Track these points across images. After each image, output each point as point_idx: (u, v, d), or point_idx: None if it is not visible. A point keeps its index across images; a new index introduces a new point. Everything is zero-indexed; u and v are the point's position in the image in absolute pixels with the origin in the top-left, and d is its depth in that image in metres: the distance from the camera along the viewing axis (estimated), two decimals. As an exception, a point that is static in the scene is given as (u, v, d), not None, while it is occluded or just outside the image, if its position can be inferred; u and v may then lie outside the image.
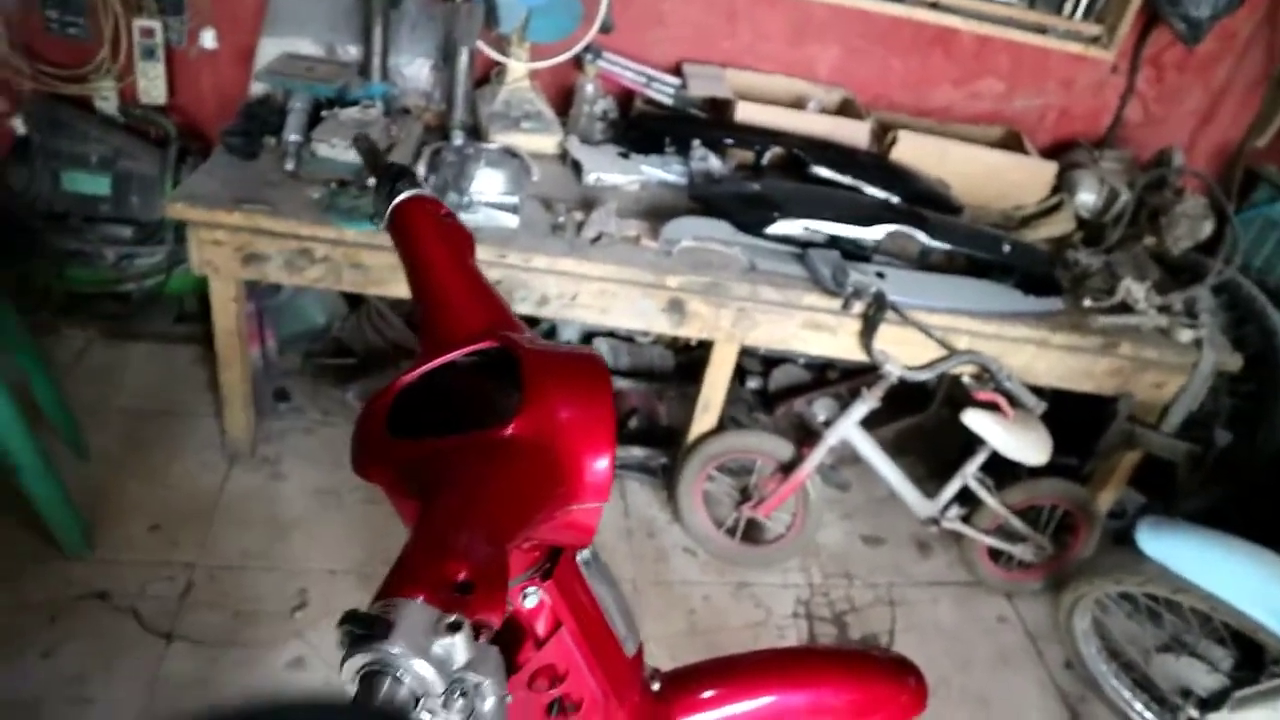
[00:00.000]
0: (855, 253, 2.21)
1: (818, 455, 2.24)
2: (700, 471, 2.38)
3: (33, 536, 2.04)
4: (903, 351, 2.20)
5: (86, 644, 1.90)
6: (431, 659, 0.50)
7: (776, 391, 2.91)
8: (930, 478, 2.51)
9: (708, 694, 1.11)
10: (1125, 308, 2.33)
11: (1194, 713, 1.99)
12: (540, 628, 0.87)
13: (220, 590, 2.06)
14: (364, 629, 0.50)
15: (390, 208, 0.96)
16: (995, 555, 2.50)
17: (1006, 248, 2.30)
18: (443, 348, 0.82)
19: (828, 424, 2.33)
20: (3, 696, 1.78)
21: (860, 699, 1.18)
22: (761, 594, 2.38)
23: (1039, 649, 2.42)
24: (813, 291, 2.14)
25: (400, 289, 2.10)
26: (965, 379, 2.28)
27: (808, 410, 2.84)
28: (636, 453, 2.60)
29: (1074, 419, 2.47)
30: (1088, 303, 2.33)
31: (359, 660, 0.50)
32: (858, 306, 2.13)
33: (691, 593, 2.34)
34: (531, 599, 0.84)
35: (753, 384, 2.90)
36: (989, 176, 2.59)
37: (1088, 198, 2.65)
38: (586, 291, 2.11)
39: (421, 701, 0.51)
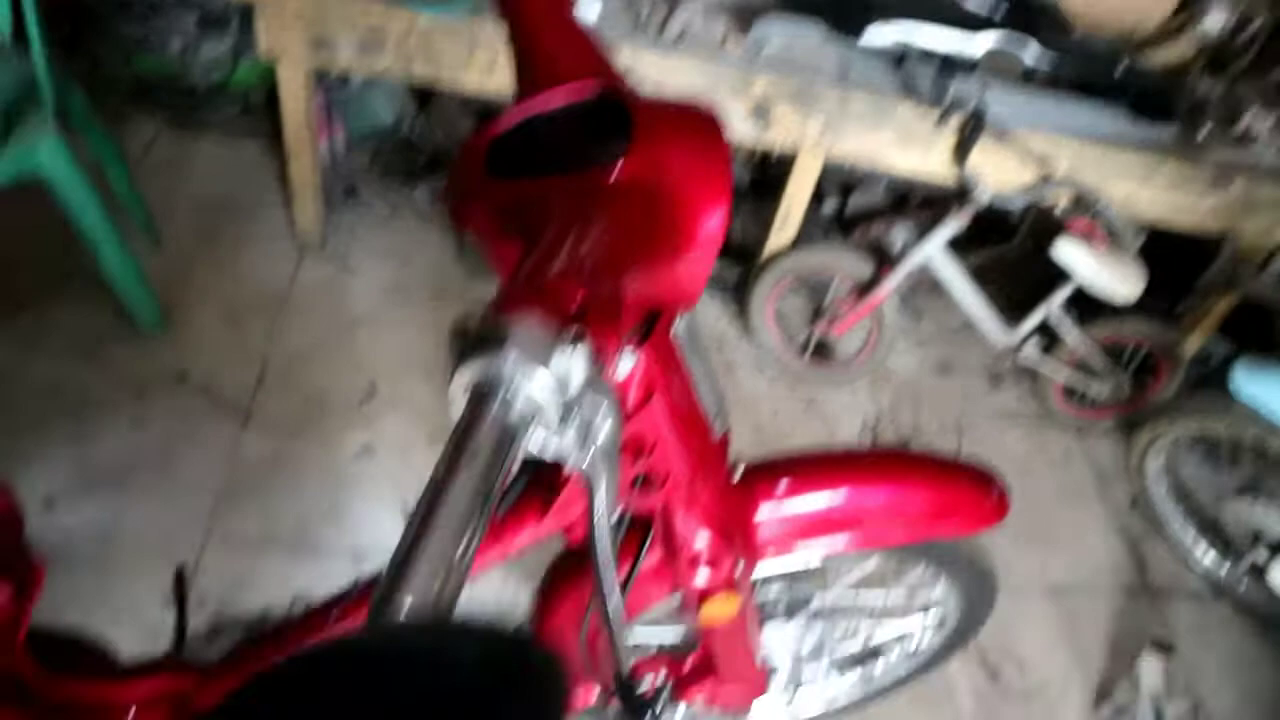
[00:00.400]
0: (955, 65, 2.06)
1: (898, 276, 2.17)
2: (775, 286, 2.32)
3: (115, 317, 2.07)
4: (997, 174, 2.08)
5: (169, 420, 1.96)
6: (549, 378, 0.47)
7: (853, 215, 2.81)
8: (1007, 313, 2.42)
9: (790, 484, 1.10)
10: (1245, 141, 2.16)
11: (1263, 556, 1.96)
12: (632, 398, 0.84)
13: (292, 378, 2.10)
14: (476, 341, 0.47)
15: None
16: (1069, 392, 2.44)
17: (1120, 68, 2.12)
18: (541, 91, 0.75)
19: (905, 250, 2.25)
20: (101, 460, 1.86)
21: (941, 502, 1.16)
22: (829, 413, 2.37)
23: (1105, 487, 2.40)
24: (907, 103, 2.01)
25: (472, 81, 2.01)
26: (1059, 207, 2.16)
27: (885, 235, 2.73)
28: (707, 269, 2.54)
29: (1166, 259, 2.35)
30: (1204, 132, 2.16)
31: (469, 374, 0.46)
32: (954, 122, 2.00)
33: (759, 407, 2.33)
34: (625, 365, 0.81)
35: (829, 206, 2.80)
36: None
37: (1218, 18, 2.41)
38: (668, 91, 2.00)
39: (535, 425, 0.47)
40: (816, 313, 2.37)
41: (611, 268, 0.61)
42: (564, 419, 0.48)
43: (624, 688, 0.58)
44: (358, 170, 2.59)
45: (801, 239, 2.37)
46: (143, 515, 1.79)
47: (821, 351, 2.40)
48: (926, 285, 2.66)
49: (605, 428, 0.52)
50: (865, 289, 2.23)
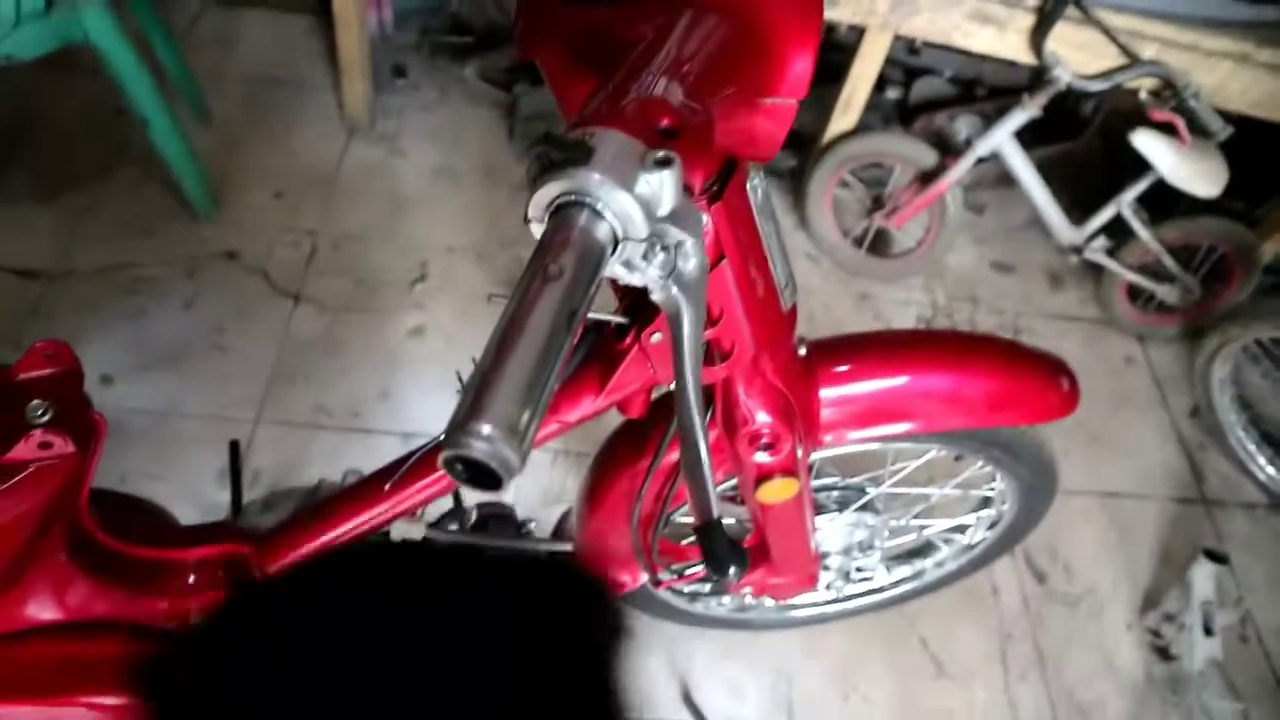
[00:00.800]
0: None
1: (963, 165, 2.08)
2: (834, 174, 2.24)
3: (166, 195, 2.06)
4: (1077, 56, 1.96)
5: (221, 299, 1.96)
6: (637, 196, 0.43)
7: (917, 104, 2.68)
8: (1074, 211, 2.32)
9: (853, 367, 1.07)
10: (1351, 22, 2.01)
11: (1329, 464, 1.90)
12: (700, 258, 0.80)
13: (342, 258, 2.08)
14: (561, 153, 0.43)
15: None
16: (1134, 295, 2.35)
17: (1223, -61, 1.96)
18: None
19: (969, 142, 2.14)
20: (155, 338, 1.87)
21: (1006, 390, 1.12)
22: (882, 307, 2.31)
23: (1164, 394, 2.33)
24: (986, -24, 1.88)
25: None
26: (1143, 94, 2.04)
27: (949, 125, 2.62)
28: (762, 158, 2.46)
29: (1252, 155, 2.22)
30: (1309, 12, 2.01)
31: (553, 188, 0.43)
32: (1036, -2, 1.88)
33: (811, 299, 2.28)
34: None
35: (892, 94, 2.67)
36: None
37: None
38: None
39: (621, 246, 0.44)
40: (875, 203, 2.29)
41: (698, 95, 0.56)
42: (650, 243, 0.45)
43: (712, 540, 0.56)
44: (406, 48, 2.52)
45: (862, 127, 2.27)
46: (197, 393, 1.81)
47: (879, 244, 2.33)
48: (990, 180, 2.56)
49: (692, 256, 0.48)
50: (927, 179, 2.14)
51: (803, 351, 1.03)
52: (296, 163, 2.26)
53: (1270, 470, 2.15)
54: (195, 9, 2.59)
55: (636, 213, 0.43)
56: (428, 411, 1.85)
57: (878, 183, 2.31)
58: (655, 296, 0.50)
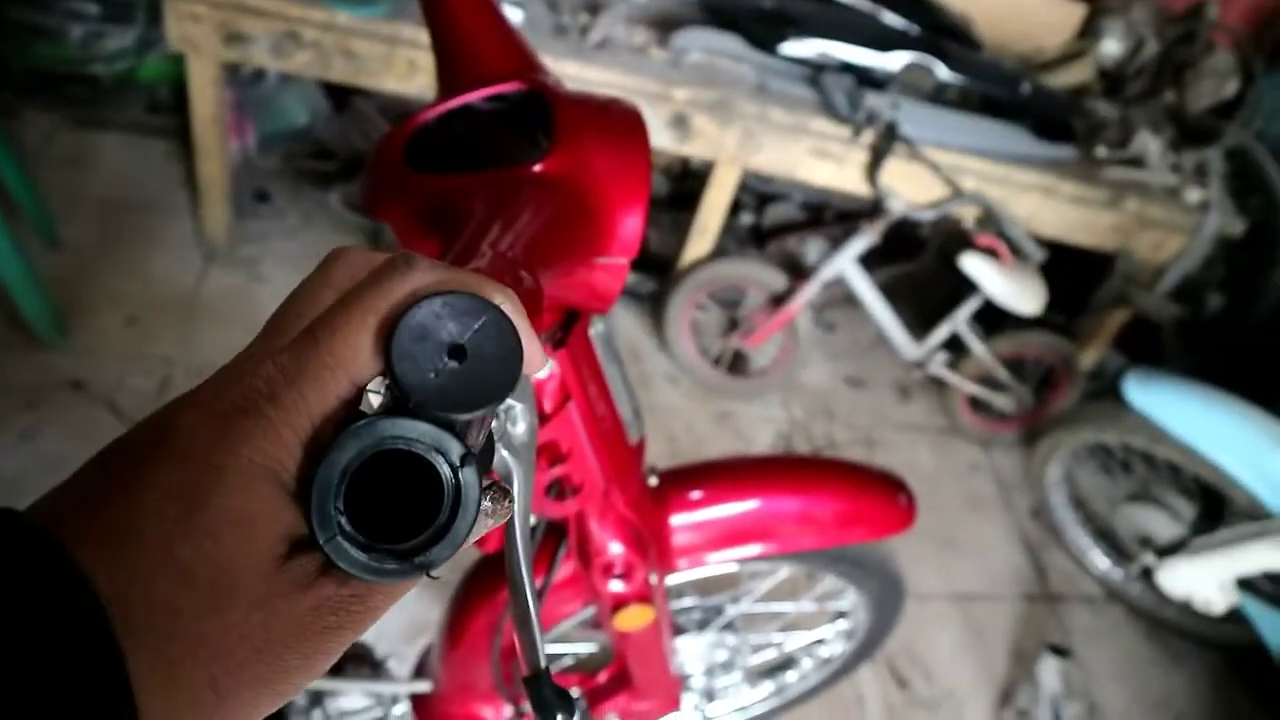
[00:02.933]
0: (869, 80, 2.12)
1: (811, 288, 2.21)
2: (690, 298, 2.35)
3: (4, 322, 1.97)
4: (907, 188, 2.14)
5: (64, 432, 1.87)
6: None
7: (769, 228, 2.85)
8: (917, 327, 2.49)
9: (703, 493, 1.11)
10: (1137, 162, 2.27)
11: (1151, 559, 2.05)
12: (547, 403, 0.83)
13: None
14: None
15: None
16: (975, 404, 2.52)
17: (1025, 89, 2.21)
18: (463, 88, 0.75)
19: (819, 263, 2.29)
20: (-21, 472, 1.77)
21: (850, 509, 1.19)
22: (743, 425, 2.40)
23: (1008, 497, 2.48)
24: (823, 116, 2.05)
25: (391, 83, 1.99)
26: (966, 222, 2.23)
27: (800, 248, 2.79)
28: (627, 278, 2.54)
29: (1066, 275, 2.45)
30: (1101, 153, 2.27)
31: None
32: (868, 136, 2.05)
33: (673, 420, 2.35)
34: (541, 369, 0.80)
35: (746, 218, 2.84)
36: (1014, 16, 2.47)
37: (1113, 46, 2.54)
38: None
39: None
40: (732, 324, 2.39)
41: (531, 265, 0.60)
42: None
43: (539, 688, 0.57)
44: (270, 173, 2.52)
45: (718, 251, 2.40)
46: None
47: (736, 364, 2.43)
48: (839, 299, 2.72)
49: (521, 427, 0.51)
50: (780, 301, 2.26)
51: (654, 481, 1.07)
52: (152, 288, 2.20)
53: (1104, 563, 2.30)
54: (48, 129, 2.54)
55: None
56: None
57: (735, 304, 2.42)
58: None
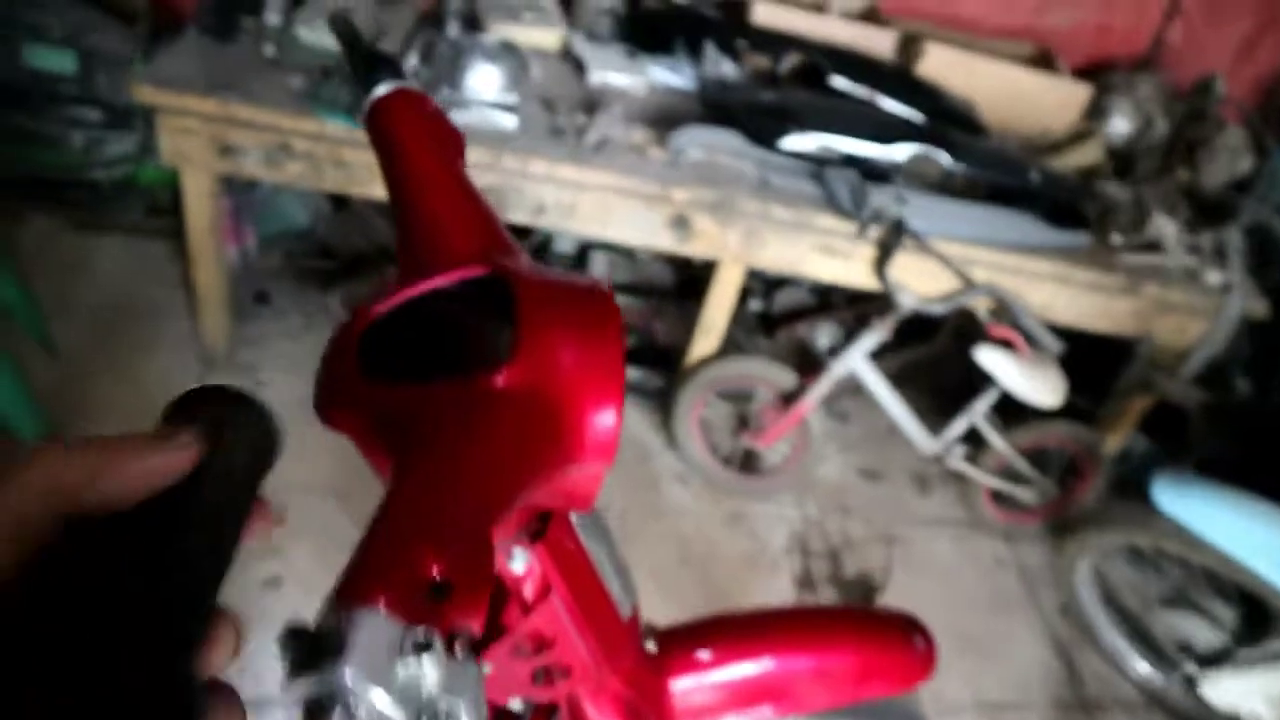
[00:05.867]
0: (874, 173, 2.07)
1: (822, 387, 2.14)
2: (698, 397, 2.28)
3: (-7, 438, 1.93)
4: (917, 281, 2.08)
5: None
6: (393, 688, 0.39)
7: (779, 314, 2.80)
8: (932, 411, 2.42)
9: (706, 654, 1.03)
10: (1153, 246, 2.21)
11: (1193, 668, 1.94)
12: (528, 592, 0.77)
13: (191, 501, 1.97)
14: (309, 647, 0.40)
15: (369, 101, 0.82)
16: (997, 496, 2.43)
17: (1034, 175, 2.16)
18: (424, 270, 0.69)
19: (832, 351, 2.23)
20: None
21: (866, 662, 1.10)
22: (756, 525, 2.31)
23: (1034, 593, 2.37)
24: (827, 212, 2.00)
25: (383, 191, 1.95)
26: (980, 313, 2.17)
27: (810, 335, 2.74)
28: (632, 374, 2.49)
29: (1086, 358, 2.37)
30: (1116, 239, 2.20)
31: (302, 687, 0.39)
32: (874, 232, 2.00)
33: (683, 522, 2.26)
34: (519, 562, 0.74)
35: (755, 305, 2.78)
36: (1018, 97, 2.43)
37: (1121, 125, 2.50)
38: (586, 201, 1.97)
39: (378, 737, 0.40)
40: (742, 421, 2.32)
41: (491, 499, 0.54)
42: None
43: None
44: (270, 273, 2.50)
45: (726, 343, 2.34)
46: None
47: (748, 462, 2.36)
48: (852, 388, 2.65)
49: (464, 716, 0.44)
50: (790, 398, 2.20)
51: (652, 647, 0.99)
52: (149, 397, 2.16)
53: (1143, 667, 2.18)
54: (48, 231, 2.53)
55: (392, 707, 0.39)
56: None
57: (744, 398, 2.36)
58: None
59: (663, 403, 2.47)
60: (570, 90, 2.16)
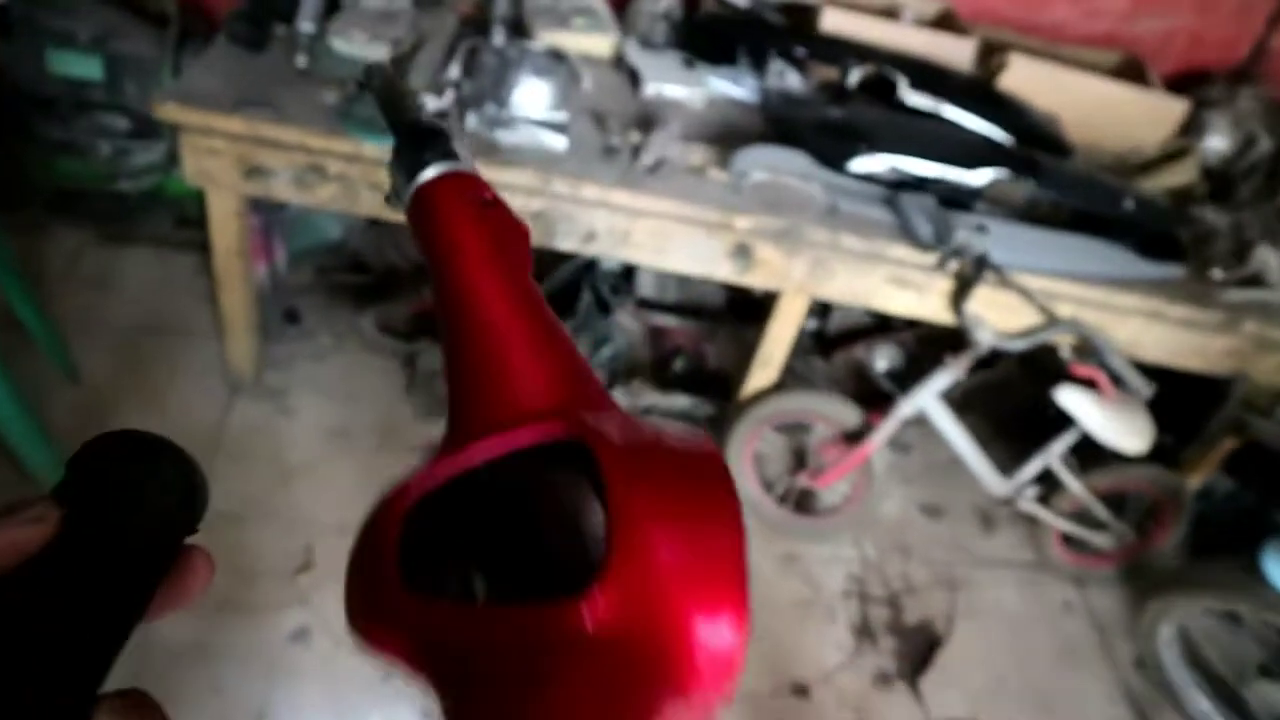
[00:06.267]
0: (951, 198, 1.91)
1: (889, 428, 1.99)
2: (753, 432, 2.14)
3: (6, 468, 1.83)
4: (994, 314, 1.92)
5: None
6: None
7: (835, 334, 2.64)
8: (996, 438, 2.26)
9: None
10: (1255, 280, 2.02)
11: (1293, 747, 1.78)
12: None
13: (216, 541, 1.82)
14: None
15: (413, 188, 0.67)
16: (1068, 539, 2.27)
17: (1128, 204, 1.97)
18: (481, 424, 0.55)
19: (891, 375, 2.09)
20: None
21: None
22: (811, 568, 2.17)
23: (1108, 644, 2.22)
24: (901, 242, 1.84)
25: (426, 215, 1.82)
26: (1062, 349, 2.00)
27: (868, 357, 2.58)
28: (681, 401, 2.35)
29: (1170, 394, 2.20)
30: (1217, 274, 2.02)
31: None
32: (954, 265, 1.84)
33: (734, 565, 2.12)
34: None
35: (809, 324, 2.63)
36: (1105, 112, 2.25)
37: (1219, 143, 2.31)
38: (641, 229, 1.82)
39: None
40: (798, 458, 2.18)
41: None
42: None
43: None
44: (301, 290, 2.38)
45: (782, 376, 2.19)
46: None
47: (803, 500, 2.21)
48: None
49: None
50: (854, 436, 2.05)
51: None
52: (172, 425, 2.05)
53: (1229, 733, 2.02)
54: (73, 246, 2.42)
55: None
56: (308, 736, 1.61)
57: (800, 428, 2.21)
58: None
59: (713, 432, 2.32)
60: (623, 103, 2.01)
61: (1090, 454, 2.12)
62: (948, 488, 2.45)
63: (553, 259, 2.24)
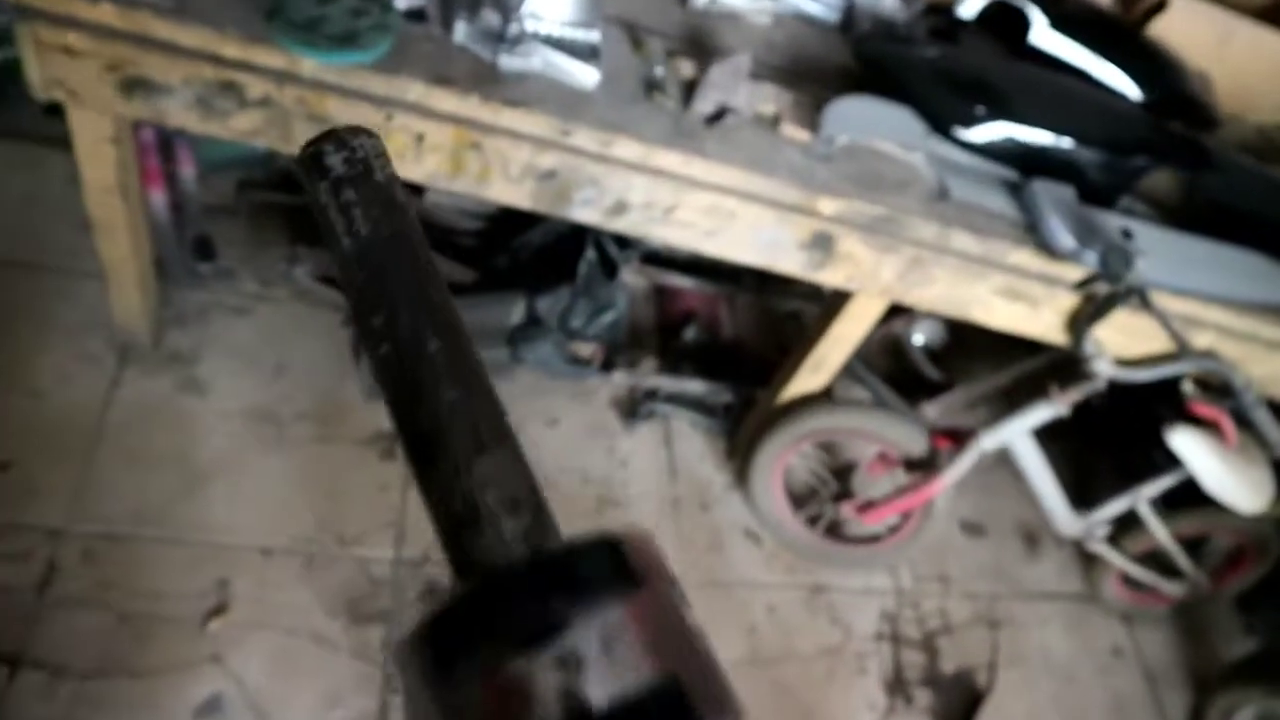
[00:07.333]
0: (1091, 187, 1.46)
1: (963, 465, 1.60)
2: (793, 445, 1.73)
3: None
4: (1113, 337, 1.52)
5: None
6: None
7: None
8: (1059, 464, 1.91)
9: None
10: None
11: None
12: None
13: (99, 577, 1.40)
14: None
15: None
16: (1129, 580, 1.95)
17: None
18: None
19: (928, 351, 1.71)
20: None
21: None
22: (840, 603, 1.82)
23: (1159, 697, 1.95)
24: (1026, 245, 1.40)
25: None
26: (1186, 384, 1.61)
27: (905, 331, 2.18)
28: (692, 387, 1.91)
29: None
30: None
31: None
32: (1102, 288, 1.42)
33: (753, 599, 1.76)
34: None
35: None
36: (1261, 71, 1.79)
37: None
38: (691, 204, 1.34)
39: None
40: (840, 481, 1.79)
41: None
42: None
43: None
44: (216, 214, 1.83)
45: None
46: None
47: (836, 526, 1.83)
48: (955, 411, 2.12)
49: None
50: (915, 466, 1.66)
51: None
52: (39, 410, 1.54)
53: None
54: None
55: None
56: None
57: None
58: None
59: (729, 424, 1.91)
60: (666, 17, 1.48)
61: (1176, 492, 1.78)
62: (990, 502, 2.10)
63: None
